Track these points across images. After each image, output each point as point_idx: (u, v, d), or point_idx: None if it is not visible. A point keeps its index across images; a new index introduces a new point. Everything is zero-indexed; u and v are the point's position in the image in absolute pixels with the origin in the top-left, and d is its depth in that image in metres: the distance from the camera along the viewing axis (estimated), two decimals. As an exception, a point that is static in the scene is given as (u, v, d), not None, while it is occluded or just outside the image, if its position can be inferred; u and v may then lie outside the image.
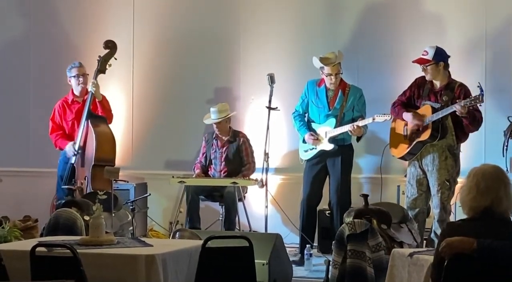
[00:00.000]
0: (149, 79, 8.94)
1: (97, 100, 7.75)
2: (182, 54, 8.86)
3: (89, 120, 7.64)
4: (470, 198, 3.95)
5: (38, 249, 4.53)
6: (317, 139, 7.39)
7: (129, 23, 8.93)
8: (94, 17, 8.97)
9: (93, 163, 7.49)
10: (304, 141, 7.52)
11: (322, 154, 7.44)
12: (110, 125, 7.85)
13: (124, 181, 8.46)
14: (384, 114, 7.08)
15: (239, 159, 8.10)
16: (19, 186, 8.89)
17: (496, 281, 3.80)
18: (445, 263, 3.84)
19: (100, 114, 7.78)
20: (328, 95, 7.45)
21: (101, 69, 7.78)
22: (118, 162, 8.67)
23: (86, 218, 5.92)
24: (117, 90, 8.91)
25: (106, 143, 7.65)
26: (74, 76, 7.83)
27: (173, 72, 8.90)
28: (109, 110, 7.87)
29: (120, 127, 8.90)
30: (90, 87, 7.70)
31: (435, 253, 4.00)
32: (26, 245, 4.88)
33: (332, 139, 7.37)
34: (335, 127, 7.36)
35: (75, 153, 7.63)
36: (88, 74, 7.86)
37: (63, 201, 6.55)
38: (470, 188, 3.96)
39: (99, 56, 7.82)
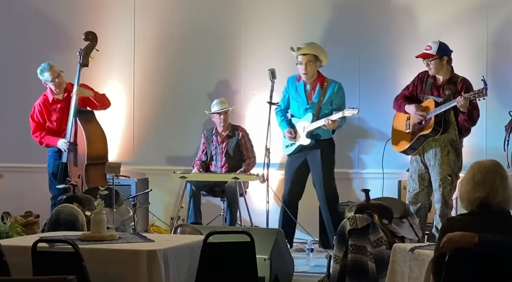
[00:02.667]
0: (151, 75, 8.93)
1: (91, 97, 7.56)
2: (183, 50, 8.86)
3: (77, 117, 7.46)
4: (467, 190, 3.98)
5: (39, 244, 4.54)
6: (294, 137, 7.45)
7: (130, 19, 8.92)
8: (95, 14, 8.95)
9: (86, 162, 7.40)
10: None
11: (302, 148, 7.53)
12: (110, 107, 7.73)
13: (126, 176, 8.46)
14: (353, 108, 7.20)
15: (239, 154, 8.11)
16: (20, 181, 8.89)
17: (497, 275, 3.81)
18: (446, 258, 3.85)
19: (98, 105, 7.62)
20: (306, 90, 7.50)
21: (84, 63, 7.54)
22: (119, 157, 8.70)
23: (88, 213, 5.92)
24: (119, 86, 8.91)
25: (97, 140, 7.51)
26: (50, 81, 7.52)
27: (174, 68, 8.89)
28: (103, 97, 7.66)
29: (121, 123, 8.91)
30: (74, 97, 7.43)
31: (436, 248, 4.01)
32: (27, 240, 4.89)
33: (309, 134, 7.43)
34: (312, 122, 7.41)
35: (68, 146, 7.48)
36: (61, 71, 7.57)
37: (64, 197, 6.55)
38: (467, 181, 4.00)
39: (80, 49, 7.58)
